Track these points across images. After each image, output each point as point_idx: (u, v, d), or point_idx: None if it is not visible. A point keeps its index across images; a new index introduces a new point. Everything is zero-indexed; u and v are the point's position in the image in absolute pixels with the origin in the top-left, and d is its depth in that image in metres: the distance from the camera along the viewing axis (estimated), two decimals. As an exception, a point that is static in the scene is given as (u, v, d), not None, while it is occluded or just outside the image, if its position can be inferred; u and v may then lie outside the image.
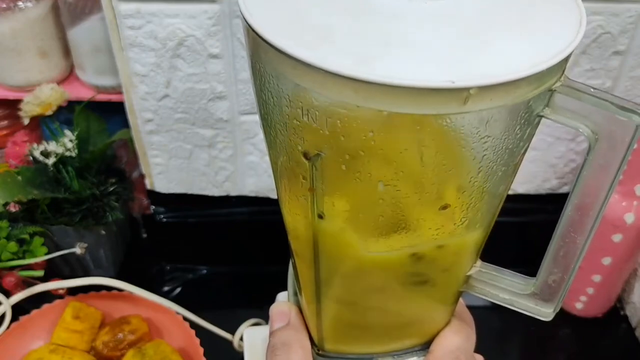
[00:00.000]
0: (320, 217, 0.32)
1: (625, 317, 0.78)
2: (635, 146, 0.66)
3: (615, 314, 0.78)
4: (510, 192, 0.83)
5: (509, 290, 0.37)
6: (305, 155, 0.30)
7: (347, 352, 0.40)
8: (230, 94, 0.69)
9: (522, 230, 0.78)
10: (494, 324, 0.75)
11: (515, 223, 0.78)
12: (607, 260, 0.70)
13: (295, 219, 0.34)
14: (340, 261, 0.34)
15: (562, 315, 0.77)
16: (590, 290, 0.74)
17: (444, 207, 0.31)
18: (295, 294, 0.42)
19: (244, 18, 0.28)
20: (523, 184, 0.78)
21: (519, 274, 0.37)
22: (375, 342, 0.40)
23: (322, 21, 0.28)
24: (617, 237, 0.68)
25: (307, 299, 0.38)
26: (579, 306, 0.76)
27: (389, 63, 0.26)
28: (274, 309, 0.42)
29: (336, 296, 0.37)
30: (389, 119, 0.26)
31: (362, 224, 0.32)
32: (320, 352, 0.41)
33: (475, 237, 0.34)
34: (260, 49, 0.28)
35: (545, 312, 0.36)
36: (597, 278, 0.72)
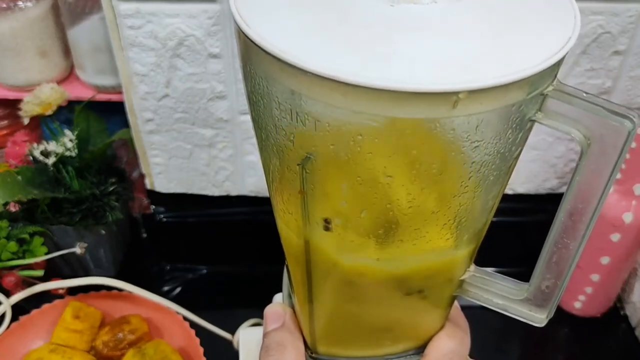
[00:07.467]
0: (311, 221, 0.32)
1: (625, 317, 0.77)
2: (635, 145, 0.65)
3: (615, 313, 0.78)
4: (510, 192, 0.83)
5: (502, 295, 0.36)
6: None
7: (340, 355, 0.40)
8: (230, 93, 0.69)
9: (522, 230, 0.78)
10: (493, 324, 0.75)
11: (515, 223, 0.78)
12: (605, 260, 0.70)
13: (286, 222, 0.34)
14: (331, 266, 0.34)
15: (561, 315, 0.76)
16: (589, 290, 0.74)
17: None
18: (290, 296, 0.42)
19: (234, 19, 0.28)
20: (523, 183, 0.78)
21: (512, 279, 0.36)
22: (368, 346, 0.40)
23: (312, 23, 0.27)
24: (615, 237, 0.68)
25: (300, 301, 0.38)
26: (577, 306, 0.76)
27: (378, 66, 0.25)
28: (268, 310, 0.42)
29: (328, 300, 0.36)
30: (377, 122, 0.26)
31: (352, 229, 0.32)
32: (313, 354, 0.41)
33: (467, 242, 0.34)
34: (250, 50, 0.28)
35: (538, 318, 0.36)
36: (595, 277, 0.72)
